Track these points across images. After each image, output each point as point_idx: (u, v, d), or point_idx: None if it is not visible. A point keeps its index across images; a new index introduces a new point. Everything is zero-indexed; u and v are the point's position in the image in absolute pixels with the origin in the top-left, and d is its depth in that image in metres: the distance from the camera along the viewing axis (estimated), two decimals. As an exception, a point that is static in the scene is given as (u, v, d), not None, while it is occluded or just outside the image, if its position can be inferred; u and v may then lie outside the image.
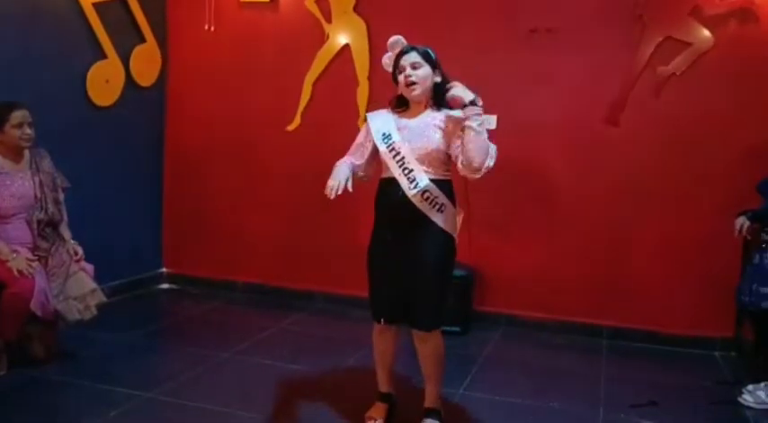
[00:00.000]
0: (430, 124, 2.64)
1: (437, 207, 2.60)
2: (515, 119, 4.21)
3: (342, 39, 4.51)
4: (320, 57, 4.56)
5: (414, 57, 2.62)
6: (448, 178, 2.67)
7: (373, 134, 2.70)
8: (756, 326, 3.50)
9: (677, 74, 3.97)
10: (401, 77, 2.63)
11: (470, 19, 4.28)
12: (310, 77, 4.59)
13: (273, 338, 3.99)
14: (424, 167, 2.60)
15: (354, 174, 2.71)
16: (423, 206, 2.60)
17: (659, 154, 4.05)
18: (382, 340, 2.84)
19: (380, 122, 2.72)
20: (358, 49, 4.48)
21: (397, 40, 2.75)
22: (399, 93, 2.71)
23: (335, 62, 4.54)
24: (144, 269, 4.87)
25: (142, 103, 4.69)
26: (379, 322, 2.79)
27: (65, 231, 3.41)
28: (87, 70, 4.18)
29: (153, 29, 4.64)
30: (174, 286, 4.96)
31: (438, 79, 2.66)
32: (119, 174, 4.57)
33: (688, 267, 4.02)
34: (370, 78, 4.47)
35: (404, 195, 2.59)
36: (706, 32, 3.90)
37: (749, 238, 3.50)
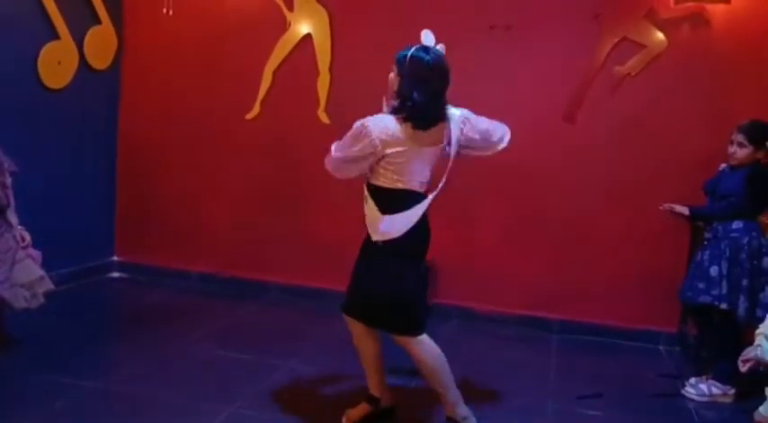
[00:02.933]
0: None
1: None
2: (474, 113, 4.24)
3: (303, 28, 4.48)
4: (281, 45, 4.51)
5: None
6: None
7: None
8: (698, 321, 3.62)
9: (632, 75, 4.06)
10: None
11: (431, 14, 4.27)
12: (271, 66, 4.54)
13: (227, 329, 3.96)
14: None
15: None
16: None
17: (613, 152, 4.14)
18: (363, 343, 2.81)
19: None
20: (320, 39, 4.45)
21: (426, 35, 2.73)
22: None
23: (296, 51, 4.50)
24: (95, 257, 4.76)
25: (96, 86, 4.57)
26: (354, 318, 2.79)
27: (12, 217, 3.31)
28: (39, 51, 4.05)
29: (109, 10, 4.51)
30: (125, 275, 4.86)
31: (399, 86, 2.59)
32: (70, 158, 4.45)
33: (636, 263, 4.13)
34: (331, 69, 4.45)
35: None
36: (660, 35, 4.00)
37: (691, 235, 3.61)
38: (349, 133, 2.57)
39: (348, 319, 2.78)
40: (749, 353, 2.56)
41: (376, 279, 2.64)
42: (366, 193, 2.65)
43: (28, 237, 3.30)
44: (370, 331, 2.76)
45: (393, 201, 2.60)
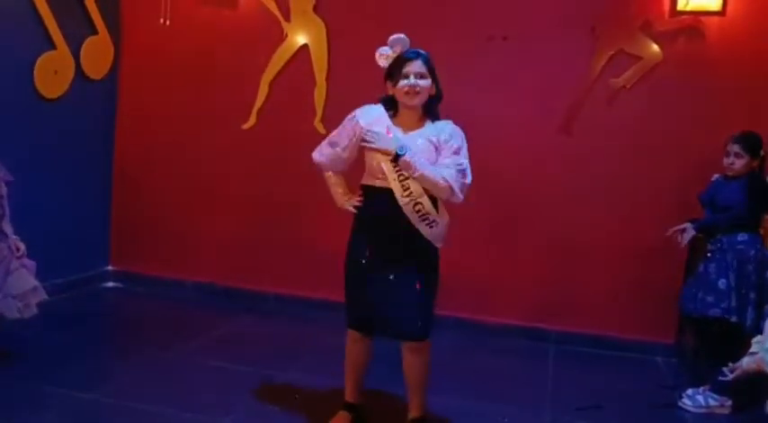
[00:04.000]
0: (428, 138, 2.60)
1: (426, 221, 2.56)
2: (470, 124, 4.23)
3: (300, 38, 4.49)
4: (278, 56, 4.52)
5: (420, 66, 2.59)
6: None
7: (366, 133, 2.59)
8: (699, 333, 3.62)
9: (627, 87, 4.08)
10: (404, 83, 2.57)
11: (429, 25, 4.30)
12: (267, 76, 4.54)
13: (222, 339, 3.93)
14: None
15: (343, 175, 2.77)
16: (412, 217, 2.55)
17: (609, 164, 4.15)
18: (356, 350, 2.79)
19: (375, 122, 2.61)
20: (317, 50, 4.46)
21: (400, 39, 2.67)
22: (390, 94, 2.66)
23: (293, 62, 4.51)
24: (90, 267, 4.74)
25: (92, 96, 4.57)
26: (355, 330, 2.75)
27: (6, 226, 3.29)
28: (35, 61, 4.04)
29: (105, 20, 4.52)
30: (120, 285, 4.83)
31: (433, 92, 2.64)
32: (66, 168, 4.44)
33: (633, 274, 4.13)
34: (328, 79, 4.45)
35: (394, 204, 2.53)
36: (655, 47, 4.02)
37: (689, 247, 3.62)
38: None
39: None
40: (739, 363, 2.58)
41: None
42: (425, 196, 2.55)
43: (23, 247, 3.28)
44: (370, 339, 2.77)
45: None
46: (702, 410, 3.31)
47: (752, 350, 2.64)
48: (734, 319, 3.26)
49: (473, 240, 4.33)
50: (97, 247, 4.82)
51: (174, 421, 2.82)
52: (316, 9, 4.44)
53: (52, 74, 4.17)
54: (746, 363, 2.60)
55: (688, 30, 3.99)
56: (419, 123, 2.66)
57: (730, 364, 2.67)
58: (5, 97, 3.88)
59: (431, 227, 2.57)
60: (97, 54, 4.51)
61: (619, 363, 4.04)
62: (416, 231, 2.57)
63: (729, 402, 3.30)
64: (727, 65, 3.95)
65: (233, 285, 4.68)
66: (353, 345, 2.79)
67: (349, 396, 2.85)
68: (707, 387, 3.35)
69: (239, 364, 3.50)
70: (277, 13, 4.48)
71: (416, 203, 2.53)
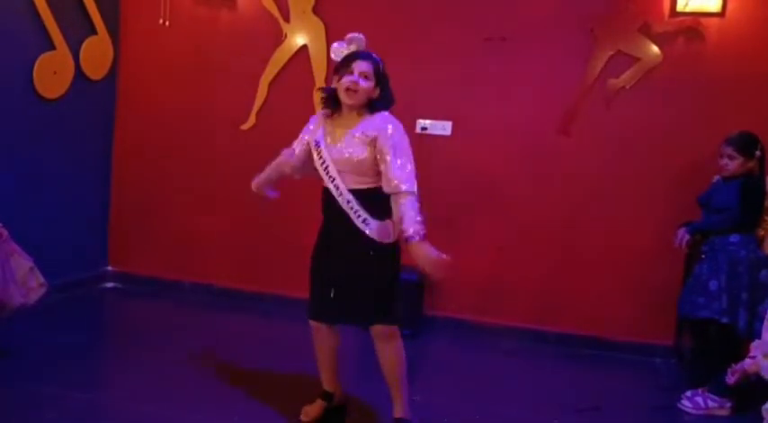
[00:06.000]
0: (355, 136, 2.62)
1: (360, 218, 2.61)
2: (470, 126, 4.28)
3: (300, 39, 4.49)
4: (277, 56, 4.51)
5: (366, 66, 2.61)
6: (376, 186, 2.62)
7: (308, 138, 2.78)
8: (697, 334, 3.62)
9: (626, 88, 4.08)
10: (345, 79, 2.61)
11: (428, 26, 4.31)
12: (267, 77, 4.54)
13: (221, 340, 3.93)
14: (352, 176, 2.62)
15: (281, 173, 2.91)
16: (351, 215, 2.62)
17: (608, 165, 4.15)
18: (318, 338, 2.88)
19: (315, 126, 2.78)
20: (316, 51, 4.46)
21: (356, 38, 2.73)
22: (333, 86, 2.69)
23: (293, 62, 4.51)
24: (89, 267, 4.73)
25: (91, 96, 4.56)
26: (315, 320, 2.83)
27: None
28: (34, 61, 4.03)
29: (105, 20, 4.51)
30: (119, 285, 4.83)
31: (375, 95, 2.66)
32: (65, 168, 4.43)
33: (632, 276, 4.13)
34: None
35: (336, 203, 2.64)
36: (655, 48, 4.02)
37: (688, 250, 3.61)
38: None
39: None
40: (740, 365, 2.58)
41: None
42: (362, 215, 2.64)
43: (5, 232, 3.22)
44: (332, 327, 2.85)
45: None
46: (702, 412, 3.30)
47: (752, 354, 2.65)
48: (725, 320, 3.25)
49: (472, 243, 4.33)
50: (96, 248, 4.81)
51: (172, 422, 2.81)
52: (315, 10, 4.43)
53: (51, 74, 4.16)
54: (748, 364, 2.60)
55: (687, 31, 3.99)
56: (357, 118, 2.67)
57: (733, 366, 2.67)
58: (5, 97, 3.87)
59: (366, 224, 2.61)
60: (97, 54, 4.51)
61: (618, 364, 4.03)
62: (358, 229, 2.62)
63: (729, 404, 3.29)
64: (726, 66, 3.95)
65: (232, 286, 4.68)
66: (315, 334, 2.87)
67: (325, 384, 2.93)
68: (706, 388, 3.35)
69: (238, 365, 3.49)
70: (276, 13, 4.48)
71: (347, 201, 2.61)
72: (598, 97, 4.13)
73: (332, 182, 2.65)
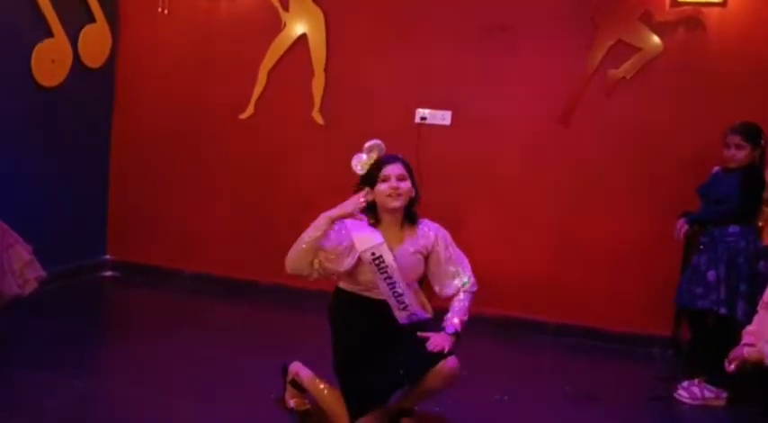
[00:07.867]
0: (411, 251, 2.69)
1: (417, 322, 2.72)
2: (469, 115, 4.27)
3: (299, 28, 4.46)
4: (276, 45, 4.50)
5: (399, 169, 2.62)
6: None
7: (363, 252, 2.62)
8: (694, 325, 3.62)
9: (627, 78, 4.06)
10: (385, 187, 2.59)
11: (427, 15, 4.29)
12: (266, 66, 4.52)
13: (219, 328, 3.93)
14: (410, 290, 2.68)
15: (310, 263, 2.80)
16: (409, 322, 2.70)
17: (607, 155, 4.14)
18: None
19: (366, 239, 2.64)
20: (315, 40, 4.44)
21: (376, 145, 2.67)
22: (369, 200, 2.63)
23: (292, 51, 4.49)
24: (87, 256, 4.73)
25: (90, 84, 4.55)
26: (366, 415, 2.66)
27: None
28: (32, 49, 4.02)
29: (103, 8, 4.49)
30: (117, 274, 4.83)
31: (413, 194, 2.67)
32: (63, 156, 4.42)
33: (631, 267, 4.12)
34: (326, 69, 4.44)
35: (388, 313, 2.67)
36: (655, 38, 4.00)
37: (686, 241, 3.61)
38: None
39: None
40: (735, 352, 2.57)
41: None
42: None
43: (5, 225, 3.23)
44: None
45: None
46: (698, 402, 3.31)
47: (748, 341, 2.64)
48: (723, 310, 3.25)
49: (472, 233, 4.32)
50: (95, 237, 4.81)
51: (170, 410, 2.82)
52: (314, -2, 4.42)
53: (50, 62, 4.15)
54: (748, 352, 2.59)
55: (688, 20, 3.97)
56: (401, 231, 2.70)
57: (730, 355, 2.65)
58: (3, 85, 3.86)
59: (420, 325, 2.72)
60: (95, 42, 4.49)
61: (616, 355, 4.04)
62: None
63: (725, 394, 3.30)
64: (727, 56, 3.93)
65: (230, 275, 4.68)
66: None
67: None
68: (703, 379, 3.35)
69: (237, 354, 3.50)
70: (276, 2, 4.45)
71: (411, 314, 2.72)
72: (598, 87, 4.11)
73: (397, 296, 2.65)
